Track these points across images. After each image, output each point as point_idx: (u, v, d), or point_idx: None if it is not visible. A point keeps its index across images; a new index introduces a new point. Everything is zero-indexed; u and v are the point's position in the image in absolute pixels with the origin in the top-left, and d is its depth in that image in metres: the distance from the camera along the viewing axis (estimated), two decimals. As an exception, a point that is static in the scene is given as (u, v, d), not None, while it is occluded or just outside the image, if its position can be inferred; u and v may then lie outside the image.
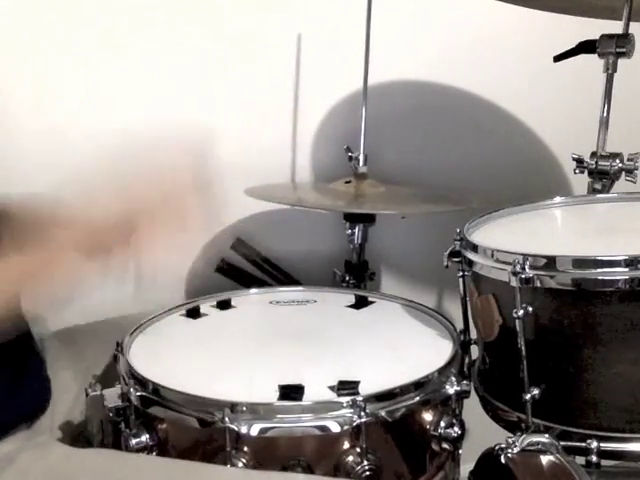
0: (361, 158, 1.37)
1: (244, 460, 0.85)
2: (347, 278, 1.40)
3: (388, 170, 1.46)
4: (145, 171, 0.88)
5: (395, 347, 1.03)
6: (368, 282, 1.43)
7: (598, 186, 1.21)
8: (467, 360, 1.05)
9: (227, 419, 0.84)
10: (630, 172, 1.19)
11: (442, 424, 0.94)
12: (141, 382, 0.93)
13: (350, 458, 0.86)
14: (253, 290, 1.27)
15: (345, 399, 0.86)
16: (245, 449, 0.86)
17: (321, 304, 1.21)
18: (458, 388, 0.94)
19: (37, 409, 0.98)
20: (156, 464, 0.89)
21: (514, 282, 0.88)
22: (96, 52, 1.34)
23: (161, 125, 1.12)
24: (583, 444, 0.88)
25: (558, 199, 1.15)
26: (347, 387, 0.90)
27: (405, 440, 0.93)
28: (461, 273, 1.04)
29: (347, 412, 0.86)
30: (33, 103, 1.32)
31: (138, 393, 0.92)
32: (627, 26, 1.21)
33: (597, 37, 1.22)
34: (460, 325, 1.08)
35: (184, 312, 1.16)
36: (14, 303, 0.86)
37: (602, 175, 1.20)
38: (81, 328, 1.21)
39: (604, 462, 0.88)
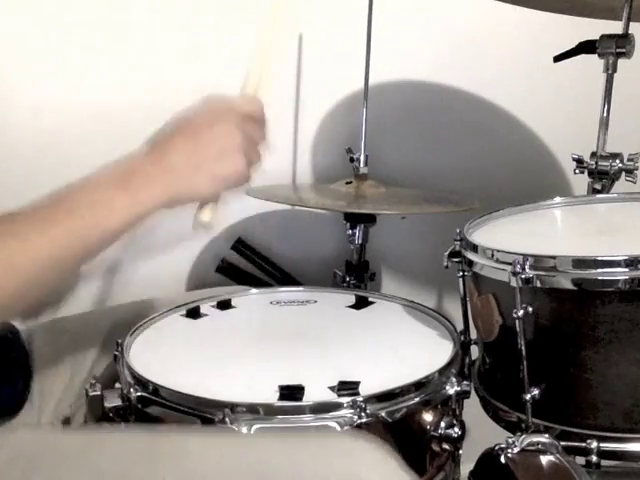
0: (362, 159, 1.37)
1: (244, 460, 0.85)
2: (347, 278, 1.40)
3: (389, 171, 1.46)
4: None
5: (395, 347, 1.03)
6: (368, 282, 1.43)
7: (598, 186, 1.21)
8: (467, 360, 1.05)
9: (227, 419, 0.84)
10: (630, 172, 1.19)
11: (442, 425, 0.93)
12: (141, 382, 0.92)
13: (350, 458, 0.86)
14: (253, 290, 1.26)
15: (345, 399, 0.86)
16: (245, 449, 0.85)
17: (321, 304, 1.20)
18: (458, 388, 0.94)
19: (15, 406, 0.97)
20: (130, 439, 0.83)
21: (514, 282, 0.88)
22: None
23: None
24: (583, 444, 0.88)
25: (558, 199, 1.15)
26: (347, 387, 0.89)
27: (405, 441, 0.92)
28: (461, 273, 1.04)
29: (347, 412, 0.85)
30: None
31: (138, 393, 0.91)
32: (627, 26, 1.21)
33: (597, 37, 1.22)
34: (460, 325, 1.08)
35: (184, 312, 1.16)
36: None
37: (602, 175, 1.20)
38: (74, 323, 1.19)
39: (604, 462, 0.88)
